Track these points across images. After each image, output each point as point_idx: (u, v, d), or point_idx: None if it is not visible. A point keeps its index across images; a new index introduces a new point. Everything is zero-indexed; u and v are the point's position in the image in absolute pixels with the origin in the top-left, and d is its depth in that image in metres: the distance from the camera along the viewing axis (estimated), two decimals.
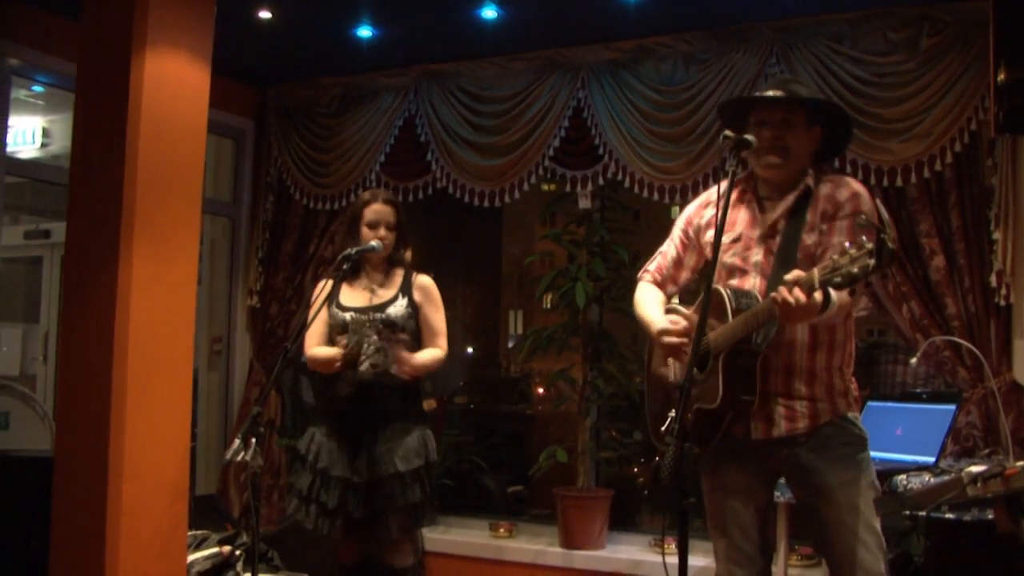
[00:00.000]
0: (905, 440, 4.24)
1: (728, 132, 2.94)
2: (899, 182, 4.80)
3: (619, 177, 5.50)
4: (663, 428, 2.90)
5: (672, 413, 2.87)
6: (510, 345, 8.69)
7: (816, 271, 2.59)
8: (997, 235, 4.59)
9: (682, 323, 3.06)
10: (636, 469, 6.51)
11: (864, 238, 2.47)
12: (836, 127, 3.17)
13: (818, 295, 2.62)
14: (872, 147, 4.77)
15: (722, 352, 2.89)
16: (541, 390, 7.81)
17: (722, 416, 2.94)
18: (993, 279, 4.60)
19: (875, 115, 4.80)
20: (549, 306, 7.46)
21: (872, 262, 2.41)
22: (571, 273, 5.84)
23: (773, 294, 2.69)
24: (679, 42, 5.34)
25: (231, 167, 6.60)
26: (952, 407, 4.28)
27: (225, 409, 6.49)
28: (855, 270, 2.45)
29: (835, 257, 2.53)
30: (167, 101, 4.24)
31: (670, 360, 3.20)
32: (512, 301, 8.79)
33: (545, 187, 6.45)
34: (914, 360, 4.51)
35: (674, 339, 3.04)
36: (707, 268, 3.35)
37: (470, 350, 8.04)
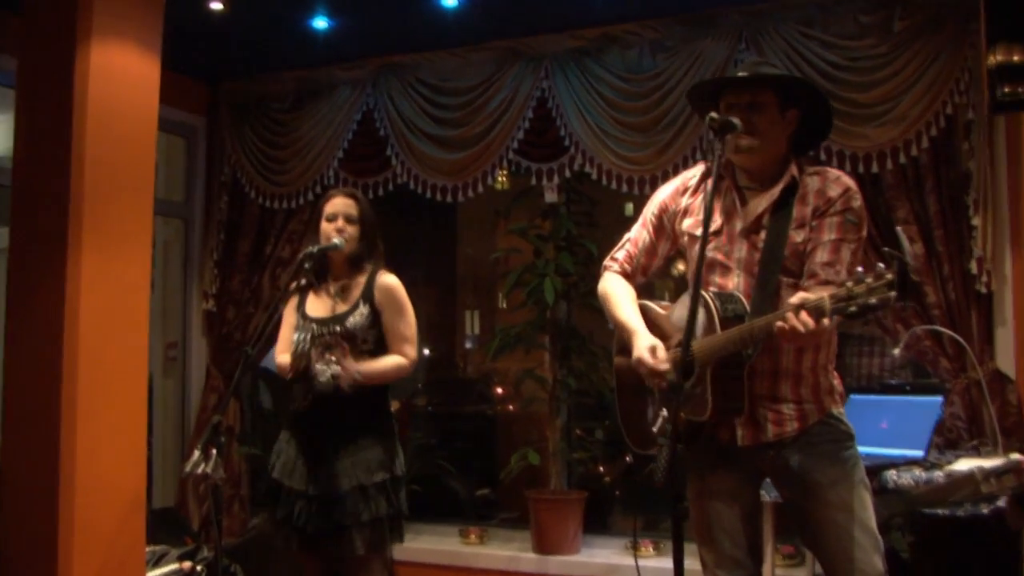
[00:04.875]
0: (891, 434, 4.13)
1: (714, 114, 2.77)
2: (875, 168, 4.70)
3: (586, 169, 5.35)
4: (655, 429, 2.74)
5: (663, 413, 2.70)
6: (468, 346, 8.55)
7: (827, 297, 2.39)
8: (976, 221, 4.51)
9: (661, 356, 2.86)
10: (602, 468, 6.36)
11: (882, 266, 2.30)
12: (814, 109, 3.00)
13: (826, 321, 2.45)
14: (847, 133, 4.66)
15: (710, 363, 2.74)
16: (500, 390, 7.66)
17: (707, 424, 2.80)
18: (973, 266, 4.51)
19: (849, 100, 4.69)
20: (505, 305, 7.30)
21: (893, 295, 2.23)
22: (538, 269, 5.68)
23: (779, 323, 2.52)
24: (645, 29, 5.20)
25: (183, 166, 6.36)
26: (938, 399, 4.20)
27: (182, 417, 6.26)
28: (872, 301, 2.27)
29: (849, 284, 2.34)
30: (115, 95, 4.05)
31: None
32: (468, 301, 8.66)
33: (499, 186, 6.30)
34: (897, 351, 4.40)
35: (651, 369, 2.85)
36: (680, 256, 3.23)
37: (426, 352, 7.88)
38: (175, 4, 4.42)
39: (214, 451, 3.23)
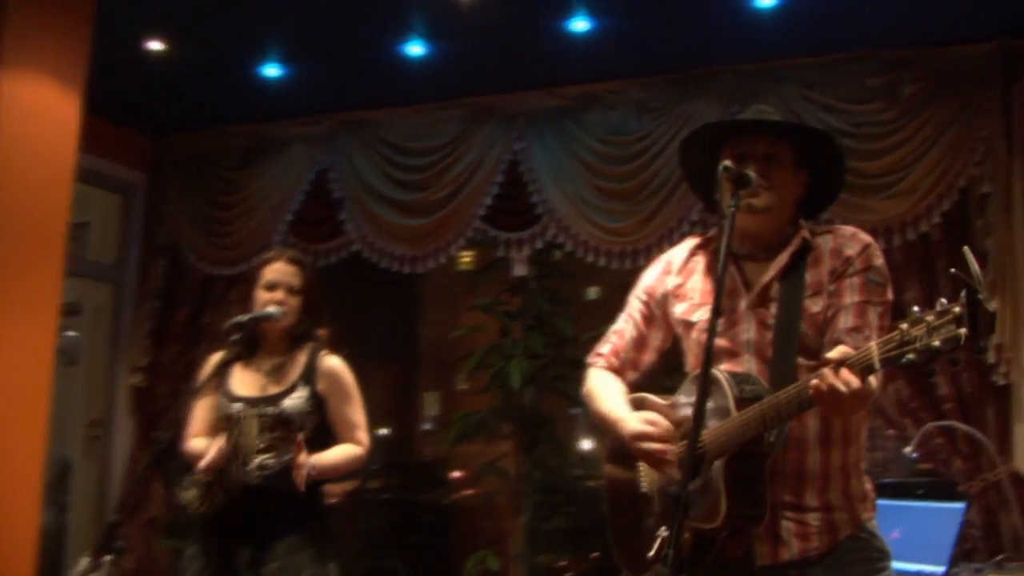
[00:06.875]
0: (906, 545, 3.60)
1: (727, 162, 2.28)
2: (881, 244, 4.26)
3: (560, 240, 4.92)
4: (651, 553, 2.20)
5: (662, 531, 2.18)
6: (426, 427, 8.12)
7: (875, 346, 1.92)
8: (994, 305, 4.05)
9: (662, 424, 2.37)
10: (565, 563, 5.80)
11: (944, 301, 1.81)
12: (824, 173, 2.53)
13: (874, 380, 1.97)
14: (850, 205, 4.26)
15: (723, 455, 2.21)
16: (458, 473, 7.12)
17: (717, 535, 2.25)
18: (991, 355, 4.07)
19: (853, 169, 4.24)
20: (466, 386, 6.82)
21: (963, 332, 1.76)
22: (504, 349, 5.18)
23: (814, 381, 2.01)
24: (630, 88, 4.84)
25: (118, 226, 5.88)
26: (959, 505, 3.71)
27: (102, 504, 5.63)
28: (936, 344, 1.78)
29: (903, 326, 1.85)
30: (24, 135, 3.60)
31: (640, 464, 2.51)
32: (428, 381, 8.25)
33: (463, 265, 5.84)
34: (909, 449, 3.91)
35: (654, 445, 2.34)
36: (683, 349, 2.68)
37: (384, 431, 7.38)
38: (114, 48, 4.06)
39: (107, 559, 2.65)
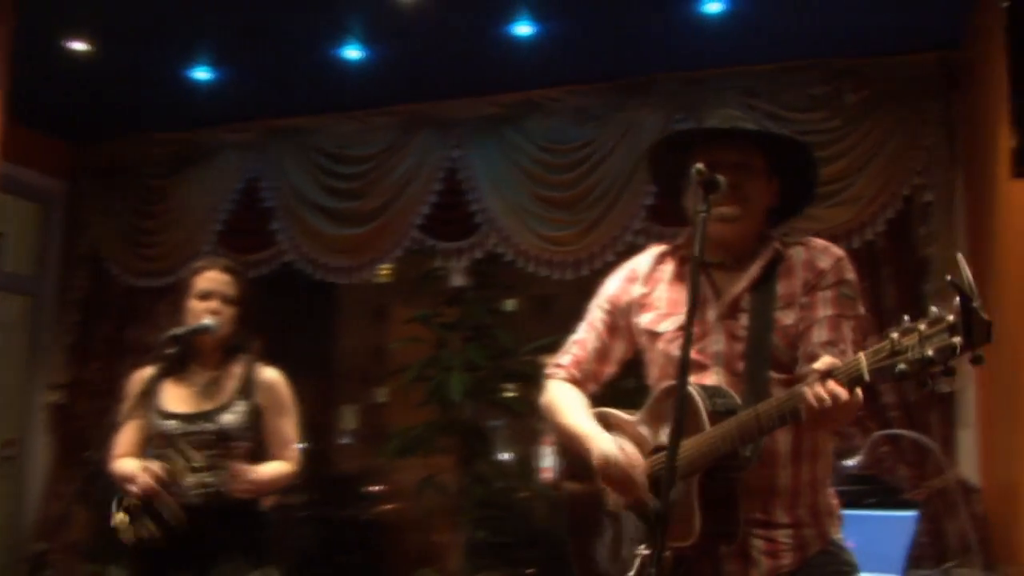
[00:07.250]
0: (859, 554, 3.57)
1: (700, 165, 2.20)
2: None
3: (500, 249, 4.84)
4: (632, 573, 2.10)
5: (640, 549, 2.10)
6: (344, 441, 8.04)
7: (863, 356, 1.86)
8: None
9: (639, 461, 2.28)
10: None
11: (934, 309, 1.74)
12: (795, 182, 2.48)
13: (859, 392, 1.89)
14: None
15: (698, 471, 2.13)
16: (377, 487, 7.01)
17: (686, 554, 2.17)
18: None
19: None
20: (385, 400, 6.73)
21: (958, 341, 1.69)
22: (443, 362, 5.06)
23: (804, 391, 1.93)
24: (570, 95, 4.78)
25: (35, 235, 5.69)
26: (911, 514, 3.69)
27: (17, 528, 5.39)
28: (929, 353, 1.69)
29: (894, 336, 1.78)
30: None
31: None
32: (345, 395, 8.18)
33: (382, 277, 5.73)
34: (857, 459, 3.90)
35: (622, 472, 2.26)
36: (646, 360, 2.59)
37: (302, 445, 7.27)
38: (32, 47, 3.91)
39: None
